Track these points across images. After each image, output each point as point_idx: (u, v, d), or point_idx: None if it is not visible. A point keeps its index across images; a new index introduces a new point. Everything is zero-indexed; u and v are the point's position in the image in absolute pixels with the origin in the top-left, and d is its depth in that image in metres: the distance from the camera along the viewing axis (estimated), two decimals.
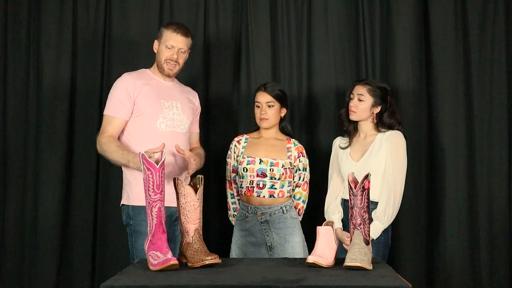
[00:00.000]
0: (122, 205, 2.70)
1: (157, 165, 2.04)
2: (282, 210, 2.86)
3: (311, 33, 3.40)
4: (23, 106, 3.33)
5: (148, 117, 2.64)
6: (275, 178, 2.84)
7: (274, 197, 2.85)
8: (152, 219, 2.05)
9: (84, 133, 3.30)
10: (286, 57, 3.40)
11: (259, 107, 2.91)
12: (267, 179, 2.84)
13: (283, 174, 2.85)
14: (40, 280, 3.27)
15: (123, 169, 2.69)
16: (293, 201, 2.93)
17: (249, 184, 2.85)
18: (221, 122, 3.38)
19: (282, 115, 2.95)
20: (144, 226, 2.56)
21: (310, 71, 3.39)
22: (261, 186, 2.84)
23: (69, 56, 3.34)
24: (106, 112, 2.67)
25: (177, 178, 2.12)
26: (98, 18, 3.37)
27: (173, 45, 2.69)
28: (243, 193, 2.89)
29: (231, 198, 3.00)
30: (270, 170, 2.84)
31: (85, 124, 3.31)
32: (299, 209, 2.94)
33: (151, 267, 2.00)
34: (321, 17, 3.39)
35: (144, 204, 2.50)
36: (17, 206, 3.30)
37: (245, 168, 2.85)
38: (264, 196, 2.84)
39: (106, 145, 2.59)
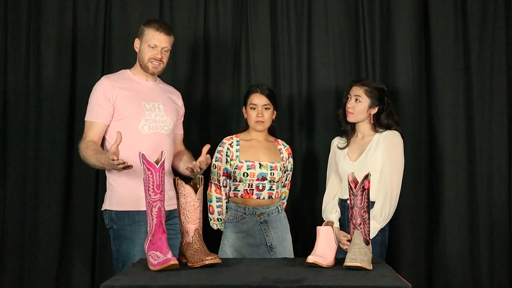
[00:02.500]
0: (104, 210, 2.65)
1: (157, 165, 2.04)
2: (278, 210, 2.88)
3: (311, 33, 3.40)
4: (23, 106, 3.32)
5: (130, 120, 2.58)
6: (274, 181, 2.85)
7: (272, 198, 2.87)
8: (152, 219, 2.05)
9: None
10: (286, 57, 3.40)
11: (254, 109, 2.88)
12: (266, 182, 2.84)
13: (281, 176, 2.88)
14: (40, 280, 3.26)
15: (106, 173, 2.66)
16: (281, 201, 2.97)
17: (248, 187, 2.84)
18: (220, 122, 3.38)
19: (274, 117, 2.96)
20: (128, 231, 2.55)
21: (310, 71, 3.39)
22: (260, 188, 2.84)
23: (69, 56, 3.34)
24: (86, 118, 2.63)
25: (177, 178, 2.13)
26: (98, 18, 3.36)
27: (156, 44, 2.62)
28: (239, 195, 2.87)
29: (217, 202, 2.92)
30: (270, 174, 2.84)
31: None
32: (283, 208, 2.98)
33: (151, 267, 2.00)
34: (321, 17, 3.39)
35: (127, 209, 2.54)
36: (17, 206, 3.30)
37: (245, 173, 2.84)
38: (264, 198, 2.85)
39: (84, 150, 2.54)
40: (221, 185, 2.91)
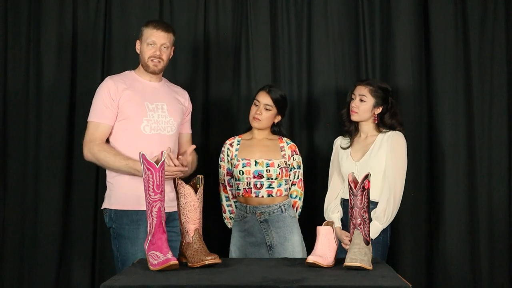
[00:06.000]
0: (104, 208, 2.65)
1: (157, 165, 2.04)
2: (281, 209, 2.86)
3: (311, 33, 3.39)
4: (23, 107, 3.32)
5: (132, 120, 2.59)
6: (272, 178, 2.85)
7: (272, 196, 2.86)
8: (152, 219, 2.05)
9: (84, 133, 3.29)
10: (286, 57, 3.40)
11: (257, 105, 2.90)
12: (264, 180, 2.84)
13: (279, 174, 2.86)
14: (40, 280, 3.26)
15: (107, 172, 2.66)
16: (290, 200, 2.94)
17: (247, 185, 2.85)
18: (220, 123, 3.38)
19: (276, 121, 2.95)
20: (126, 230, 2.55)
21: (310, 71, 3.39)
22: (258, 186, 2.84)
23: (69, 56, 3.34)
24: (91, 118, 2.63)
25: (177, 178, 2.13)
26: (98, 18, 3.36)
27: (154, 41, 2.62)
28: (240, 194, 2.88)
29: (226, 201, 3.00)
30: (266, 171, 2.84)
31: (85, 124, 3.29)
32: (296, 207, 2.96)
33: (151, 267, 2.00)
34: (321, 17, 3.39)
35: (126, 208, 2.55)
36: (17, 206, 3.30)
37: (241, 171, 2.85)
38: (262, 196, 2.85)
39: (101, 153, 2.55)
40: (226, 184, 2.96)
